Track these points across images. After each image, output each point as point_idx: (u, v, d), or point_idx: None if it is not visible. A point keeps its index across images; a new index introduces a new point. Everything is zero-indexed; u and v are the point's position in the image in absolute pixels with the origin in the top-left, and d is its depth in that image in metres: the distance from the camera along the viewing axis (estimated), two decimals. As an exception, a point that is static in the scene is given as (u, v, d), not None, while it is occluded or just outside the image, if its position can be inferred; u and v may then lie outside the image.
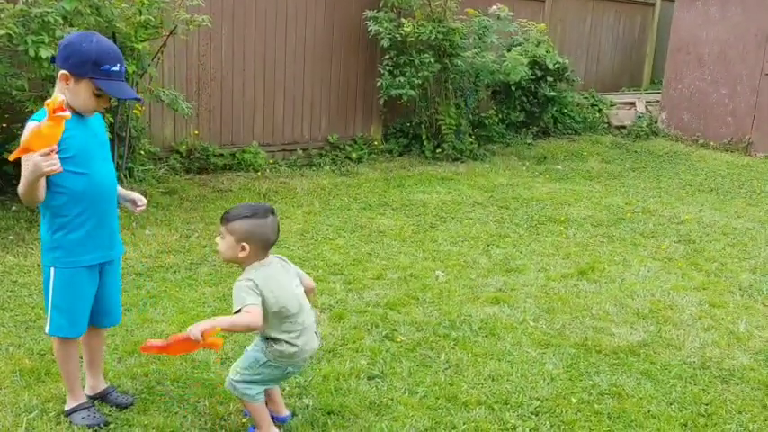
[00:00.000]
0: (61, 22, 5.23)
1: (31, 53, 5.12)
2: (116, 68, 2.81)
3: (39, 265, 4.87)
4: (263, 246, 2.86)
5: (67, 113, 2.64)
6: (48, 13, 5.17)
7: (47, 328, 2.97)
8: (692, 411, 3.40)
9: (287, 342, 2.88)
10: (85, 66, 2.76)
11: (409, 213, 6.76)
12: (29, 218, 5.78)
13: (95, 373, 3.23)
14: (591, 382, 3.59)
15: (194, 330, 2.60)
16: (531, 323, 4.29)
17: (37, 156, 2.63)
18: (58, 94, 2.72)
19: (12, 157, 2.69)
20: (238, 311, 2.74)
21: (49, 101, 2.62)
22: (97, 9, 5.62)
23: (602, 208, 7.22)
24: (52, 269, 2.92)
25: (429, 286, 4.83)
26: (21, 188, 2.75)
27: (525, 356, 3.83)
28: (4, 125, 6.17)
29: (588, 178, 8.68)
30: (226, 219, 2.87)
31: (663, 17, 13.10)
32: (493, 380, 3.56)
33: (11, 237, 5.43)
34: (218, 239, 2.91)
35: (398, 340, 3.96)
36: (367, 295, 4.63)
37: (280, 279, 2.89)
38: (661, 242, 6.18)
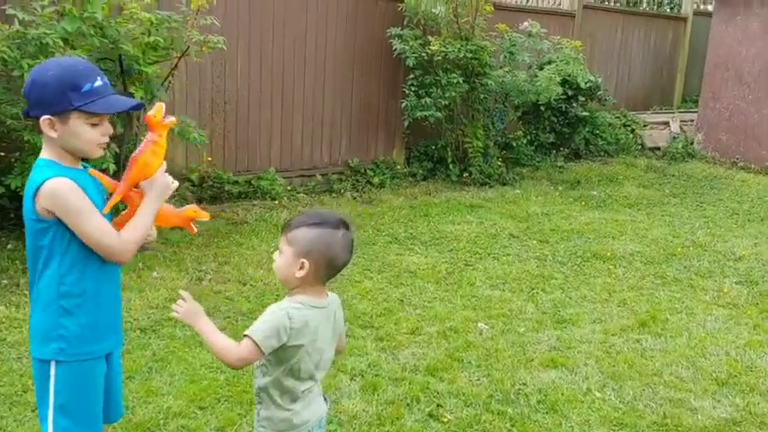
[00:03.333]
0: (61, 44, 4.72)
1: (27, 79, 4.59)
2: (99, 83, 2.25)
3: (32, 318, 4.34)
4: (327, 265, 2.23)
5: (173, 118, 2.33)
6: (46, 34, 4.66)
7: None
8: None
9: (278, 402, 2.27)
10: (65, 95, 2.19)
11: (440, 248, 6.19)
12: (25, 258, 5.24)
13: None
14: (684, 480, 3.01)
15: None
16: (597, 394, 3.71)
17: (160, 176, 2.31)
18: (158, 103, 2.32)
19: (113, 203, 2.30)
20: (244, 337, 2.19)
21: (150, 112, 2.29)
22: (101, 29, 5.10)
23: (649, 242, 6.63)
24: (53, 364, 2.30)
25: (473, 344, 4.26)
26: (140, 230, 2.30)
27: (598, 442, 3.26)
28: (1, 154, 5.67)
29: (627, 206, 8.09)
30: (288, 226, 2.27)
31: (695, 32, 12.52)
32: (565, 477, 2.99)
33: (4, 281, 4.90)
34: (275, 254, 2.28)
35: (445, 420, 3.39)
36: (403, 356, 4.06)
37: (322, 335, 2.27)
38: (721, 284, 5.59)
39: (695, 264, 6.05)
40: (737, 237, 6.93)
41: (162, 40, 5.33)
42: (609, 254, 6.18)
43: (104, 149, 2.37)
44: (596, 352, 4.22)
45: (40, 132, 2.26)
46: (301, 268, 2.21)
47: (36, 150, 5.06)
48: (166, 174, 2.36)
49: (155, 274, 5.17)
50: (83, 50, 4.94)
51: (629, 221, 7.34)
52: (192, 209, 2.49)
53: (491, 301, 4.98)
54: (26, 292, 4.70)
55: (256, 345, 2.15)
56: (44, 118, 2.21)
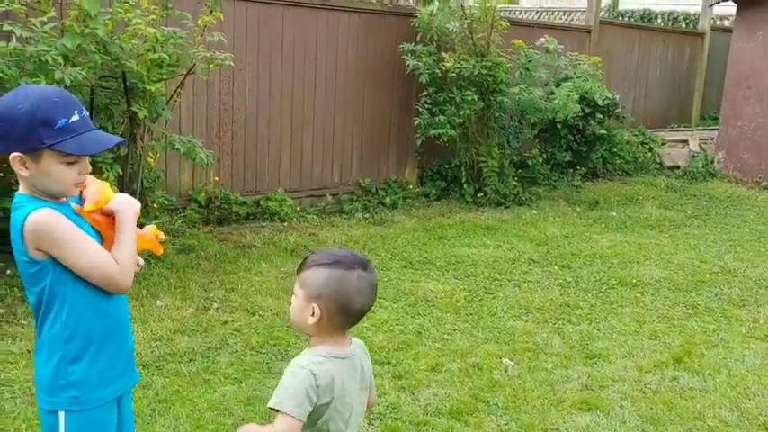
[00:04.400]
0: (61, 62, 4.48)
1: None
2: (75, 118, 2.00)
3: (29, 352, 4.08)
4: (341, 311, 1.97)
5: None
6: (45, 51, 4.42)
7: None
8: None
9: None
10: (35, 133, 1.95)
11: (457, 274, 5.91)
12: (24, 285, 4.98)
13: None
14: None
15: None
16: (637, 441, 3.42)
17: (120, 195, 2.17)
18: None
19: (90, 207, 2.11)
20: (274, 411, 1.91)
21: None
22: (104, 46, 4.86)
23: (675, 267, 6.33)
24: (62, 414, 2.09)
25: (498, 383, 3.96)
26: (129, 249, 2.12)
27: (644, 501, 2.96)
28: (0, 175, 5.43)
29: (648, 227, 7.80)
30: (300, 266, 2.05)
31: (713, 48, 12.26)
32: None
33: (0, 310, 4.64)
34: (293, 297, 2.05)
35: (474, 472, 3.11)
36: (423, 396, 3.77)
37: (349, 388, 2.01)
38: (755, 313, 5.29)
39: (726, 291, 5.75)
40: (767, 261, 6.63)
41: (168, 57, 5.09)
42: (635, 280, 5.89)
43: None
44: (631, 392, 3.92)
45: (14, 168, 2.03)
46: (312, 315, 1.97)
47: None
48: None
49: (158, 302, 4.90)
50: (84, 67, 4.70)
51: (653, 245, 7.04)
52: (153, 227, 2.32)
53: (514, 334, 4.69)
54: (23, 323, 4.45)
55: (292, 417, 1.88)
56: (14, 155, 1.98)
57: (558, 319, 4.98)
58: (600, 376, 4.10)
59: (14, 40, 4.46)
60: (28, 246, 2.00)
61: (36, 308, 2.10)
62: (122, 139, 2.27)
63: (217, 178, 7.06)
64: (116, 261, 2.06)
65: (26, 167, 1.99)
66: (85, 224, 2.11)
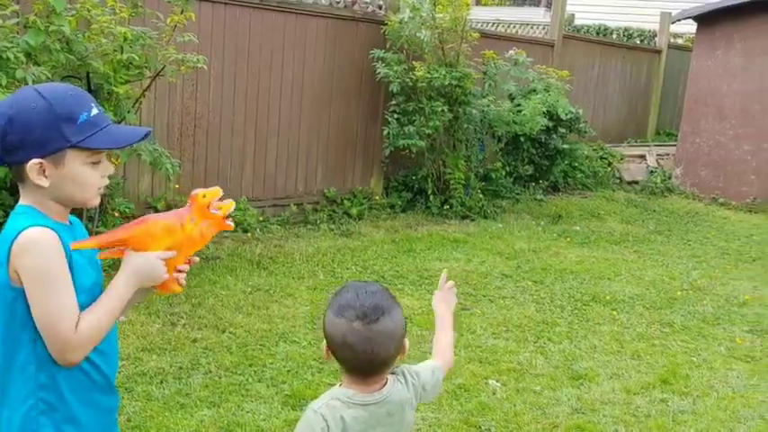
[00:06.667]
0: (23, 60, 4.18)
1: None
2: (95, 111, 1.74)
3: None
4: (340, 361, 1.82)
5: (220, 212, 1.82)
6: (6, 48, 4.11)
7: None
8: None
9: None
10: (57, 131, 1.68)
11: (431, 289, 5.65)
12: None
13: None
14: None
15: None
16: (637, 470, 3.31)
17: (152, 255, 1.78)
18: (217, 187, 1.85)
19: (84, 245, 1.75)
20: None
21: (199, 191, 1.81)
22: (68, 44, 4.57)
23: (646, 284, 6.30)
24: None
25: (487, 406, 3.81)
26: (104, 322, 1.72)
27: None
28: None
29: (613, 242, 7.79)
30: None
31: (669, 65, 12.45)
32: None
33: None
34: None
35: (476, 505, 2.94)
36: (413, 421, 3.60)
37: None
38: (731, 332, 5.27)
39: (699, 309, 5.74)
40: (735, 279, 6.66)
41: (136, 58, 4.82)
42: (608, 297, 5.83)
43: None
44: (623, 416, 3.82)
45: (18, 179, 1.76)
46: (329, 357, 1.88)
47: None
48: (161, 260, 1.80)
49: (122, 318, 4.58)
50: (47, 67, 4.41)
51: (621, 261, 7.02)
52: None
53: (497, 353, 4.55)
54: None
55: None
56: (34, 162, 1.70)
57: (539, 338, 4.87)
58: (589, 399, 3.99)
59: (-28, 35, 4.15)
60: (10, 264, 1.68)
61: (4, 343, 1.75)
62: (150, 129, 1.97)
63: (177, 186, 6.77)
64: (77, 328, 1.68)
65: (45, 176, 1.71)
66: (85, 265, 1.79)
